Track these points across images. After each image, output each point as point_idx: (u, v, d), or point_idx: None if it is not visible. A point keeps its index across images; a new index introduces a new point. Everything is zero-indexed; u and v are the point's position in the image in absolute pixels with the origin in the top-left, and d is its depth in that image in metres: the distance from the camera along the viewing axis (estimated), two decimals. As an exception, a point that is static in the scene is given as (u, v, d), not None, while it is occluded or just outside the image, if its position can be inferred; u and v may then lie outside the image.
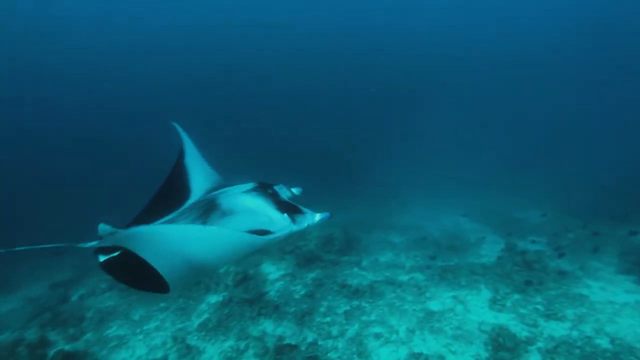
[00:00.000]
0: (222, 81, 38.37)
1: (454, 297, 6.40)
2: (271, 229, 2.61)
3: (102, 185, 19.84)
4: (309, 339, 5.65)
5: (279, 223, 2.69)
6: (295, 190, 3.19)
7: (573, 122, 29.48)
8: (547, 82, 34.23)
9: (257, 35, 37.50)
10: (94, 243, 2.36)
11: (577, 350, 4.79)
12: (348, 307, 6.38)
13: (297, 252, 8.76)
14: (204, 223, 2.63)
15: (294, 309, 6.62)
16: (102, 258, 2.39)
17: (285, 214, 2.76)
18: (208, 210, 2.79)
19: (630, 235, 8.63)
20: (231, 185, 3.22)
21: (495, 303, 6.07)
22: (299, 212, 2.85)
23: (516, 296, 6.30)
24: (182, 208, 3.15)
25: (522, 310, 5.85)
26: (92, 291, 8.65)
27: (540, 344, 5.04)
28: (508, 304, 6.07)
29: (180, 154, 3.52)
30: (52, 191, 19.55)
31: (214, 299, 7.48)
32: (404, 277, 7.61)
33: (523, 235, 10.09)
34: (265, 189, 3.04)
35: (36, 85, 35.73)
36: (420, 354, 5.09)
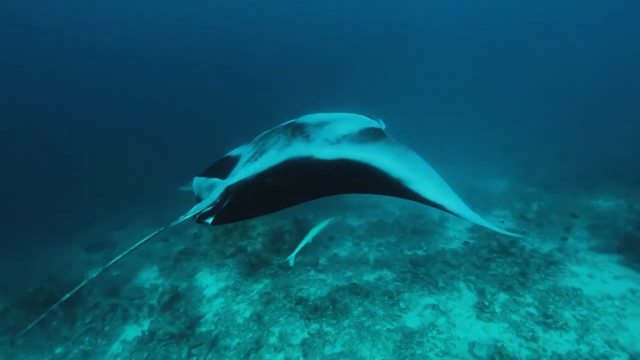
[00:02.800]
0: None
1: (434, 306, 5.13)
2: (375, 126, 2.40)
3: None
4: (257, 393, 4.07)
5: (372, 121, 2.50)
6: None
7: (534, 91, 29.67)
8: (519, 50, 34.36)
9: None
10: (196, 210, 2.00)
11: (595, 376, 3.74)
12: (306, 335, 4.85)
13: (240, 255, 7.01)
14: (306, 138, 2.23)
15: (236, 341, 4.95)
16: (210, 220, 1.96)
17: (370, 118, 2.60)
18: (295, 131, 2.33)
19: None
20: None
21: (482, 310, 4.89)
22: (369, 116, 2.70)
23: (503, 296, 5.18)
24: (258, 144, 2.61)
25: (515, 317, 4.73)
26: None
27: (546, 368, 3.93)
28: (497, 309, 4.92)
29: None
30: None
31: (132, 332, 5.58)
32: (370, 277, 6.24)
33: (487, 209, 9.22)
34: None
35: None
36: (404, 401, 3.76)
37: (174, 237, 9.74)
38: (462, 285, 5.60)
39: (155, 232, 1.89)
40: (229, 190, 2.06)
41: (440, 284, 5.59)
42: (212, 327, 5.32)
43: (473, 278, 5.71)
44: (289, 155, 2.11)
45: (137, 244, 1.83)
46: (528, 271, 5.73)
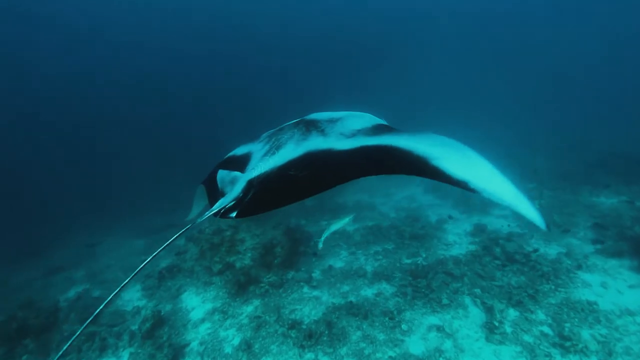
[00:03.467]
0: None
1: (438, 327, 4.64)
2: (384, 123, 2.44)
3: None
4: None
5: (380, 120, 2.49)
6: None
7: (531, 87, 29.02)
8: (518, 45, 33.74)
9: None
10: (220, 205, 1.98)
11: (624, 412, 3.28)
12: (300, 367, 4.34)
13: (228, 272, 6.44)
14: (322, 132, 2.25)
15: (224, 375, 4.42)
16: (233, 214, 1.96)
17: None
18: (309, 126, 2.34)
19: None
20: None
21: (492, 331, 4.41)
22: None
23: (513, 313, 4.71)
24: (270, 140, 2.49)
25: (528, 339, 4.26)
26: None
27: (568, 402, 3.47)
28: (507, 328, 4.45)
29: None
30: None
31: (110, 367, 5.01)
32: (368, 292, 5.73)
33: (485, 209, 8.76)
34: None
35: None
36: None
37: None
38: (467, 300, 5.12)
39: (183, 230, 1.79)
40: (251, 183, 2.03)
41: (444, 301, 5.09)
42: (198, 359, 4.78)
43: (479, 291, 5.23)
44: (308, 148, 2.11)
45: (162, 247, 1.67)
46: (536, 281, 5.29)
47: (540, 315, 4.60)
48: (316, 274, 6.48)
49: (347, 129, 2.22)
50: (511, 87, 28.67)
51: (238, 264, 6.51)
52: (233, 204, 1.98)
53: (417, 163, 1.55)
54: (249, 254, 6.62)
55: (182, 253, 7.42)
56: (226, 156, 3.03)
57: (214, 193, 2.53)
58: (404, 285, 5.72)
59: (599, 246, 6.19)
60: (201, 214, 1.99)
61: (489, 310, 4.74)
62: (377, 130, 2.14)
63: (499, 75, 32.12)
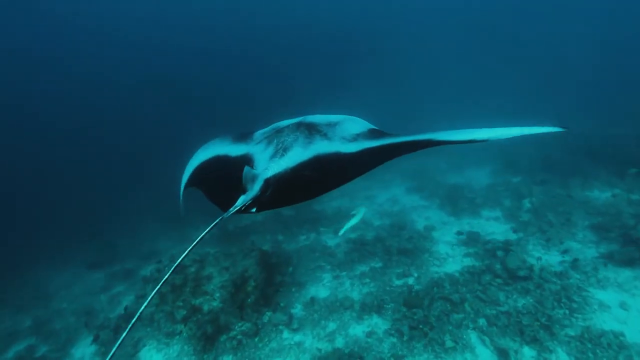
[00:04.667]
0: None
1: (446, 383, 3.79)
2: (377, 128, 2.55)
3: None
4: None
5: (372, 125, 2.61)
6: None
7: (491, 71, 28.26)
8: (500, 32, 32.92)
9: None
10: (242, 202, 1.97)
11: None
12: None
13: (195, 318, 5.35)
14: (325, 136, 2.32)
15: None
16: (254, 209, 2.03)
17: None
18: (311, 130, 2.39)
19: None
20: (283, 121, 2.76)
21: (510, 385, 3.60)
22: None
23: (529, 354, 3.91)
24: (271, 141, 2.44)
25: (553, 392, 3.47)
26: None
27: None
28: (526, 378, 3.65)
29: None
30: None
31: None
32: (357, 330, 4.83)
33: (476, 211, 8.02)
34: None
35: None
36: None
37: (120, 285, 7.92)
38: (473, 338, 4.29)
39: (212, 225, 1.74)
40: (268, 182, 2.04)
41: (448, 343, 4.24)
42: None
43: (484, 324, 4.42)
44: (316, 151, 2.19)
45: (204, 233, 1.62)
46: (546, 303, 4.53)
47: (562, 355, 3.82)
48: (297, 310, 5.50)
49: (348, 133, 2.34)
50: (501, 76, 27.44)
51: (206, 307, 5.43)
52: (252, 202, 2.00)
53: (423, 143, 1.78)
54: (218, 294, 5.55)
55: (140, 297, 6.26)
56: (211, 156, 2.76)
57: (214, 190, 2.49)
58: (398, 320, 4.84)
59: (603, 250, 5.54)
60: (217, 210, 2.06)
61: (502, 353, 3.92)
62: (375, 134, 2.29)
63: (489, 66, 30.93)
